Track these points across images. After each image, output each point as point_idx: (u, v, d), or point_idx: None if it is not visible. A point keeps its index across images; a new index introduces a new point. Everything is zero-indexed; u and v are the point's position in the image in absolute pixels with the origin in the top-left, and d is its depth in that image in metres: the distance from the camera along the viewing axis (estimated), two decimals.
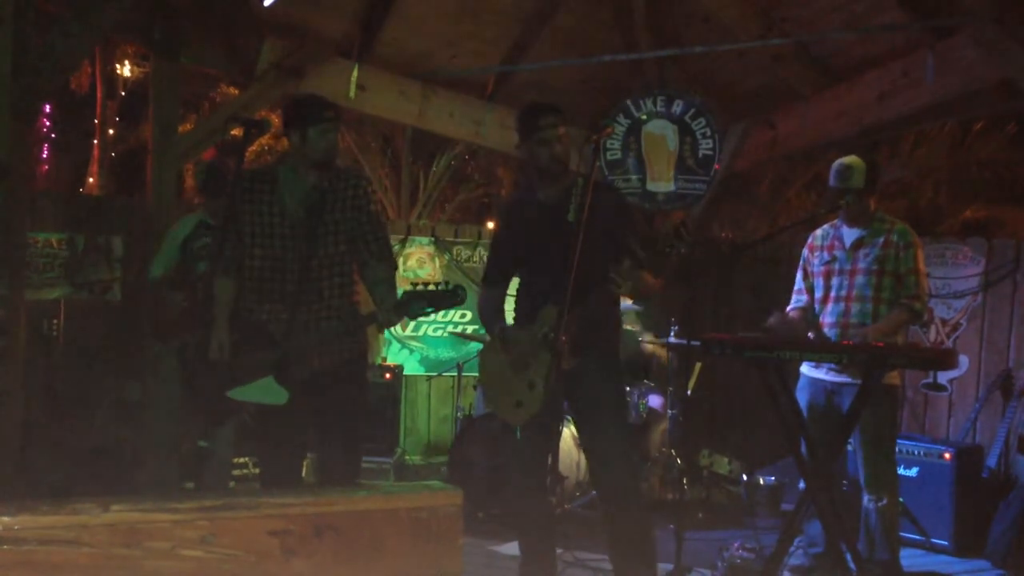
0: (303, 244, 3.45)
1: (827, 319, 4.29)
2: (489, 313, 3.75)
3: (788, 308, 4.50)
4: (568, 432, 5.30)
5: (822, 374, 4.28)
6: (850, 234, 4.30)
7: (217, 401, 3.48)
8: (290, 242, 3.46)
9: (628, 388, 5.58)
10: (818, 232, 4.48)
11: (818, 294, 4.37)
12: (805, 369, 4.38)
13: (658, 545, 3.63)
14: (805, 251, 4.50)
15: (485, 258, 7.33)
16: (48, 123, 13.41)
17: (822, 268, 4.36)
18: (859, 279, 4.21)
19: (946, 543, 5.09)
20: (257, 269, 3.49)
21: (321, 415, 3.54)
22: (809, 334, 4.32)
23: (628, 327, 6.16)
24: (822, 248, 4.40)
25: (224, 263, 3.51)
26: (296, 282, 3.44)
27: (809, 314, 4.39)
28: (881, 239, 4.21)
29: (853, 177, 4.18)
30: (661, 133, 6.45)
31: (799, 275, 4.50)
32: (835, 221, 4.42)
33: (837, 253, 4.31)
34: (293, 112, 3.51)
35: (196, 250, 4.81)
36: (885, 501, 4.17)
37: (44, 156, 13.22)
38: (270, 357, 3.41)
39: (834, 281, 4.30)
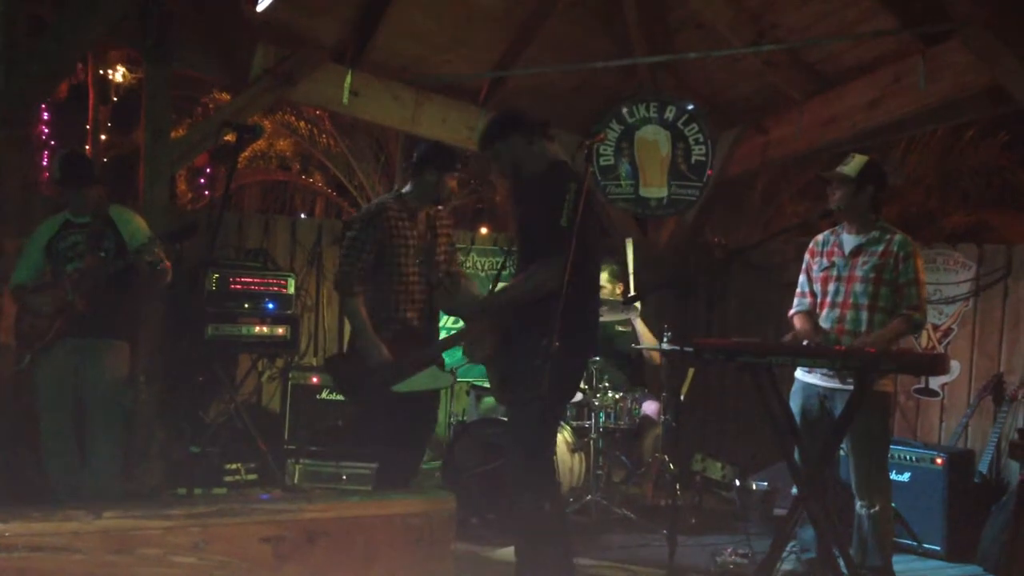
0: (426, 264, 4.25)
1: (823, 324, 4.29)
2: None
3: (791, 312, 4.49)
4: (561, 438, 5.31)
5: (815, 379, 4.28)
6: (850, 240, 4.30)
7: (379, 398, 4.09)
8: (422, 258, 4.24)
9: (611, 393, 5.59)
10: (819, 237, 4.48)
11: (818, 299, 4.38)
12: (799, 374, 4.38)
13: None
14: (807, 255, 4.50)
15: (478, 263, 7.40)
16: (47, 130, 13.35)
17: (821, 274, 4.36)
18: (856, 286, 4.21)
19: (938, 548, 5.10)
20: (408, 283, 4.20)
21: (406, 414, 4.19)
22: (804, 341, 4.32)
23: (621, 329, 6.17)
24: (822, 254, 4.39)
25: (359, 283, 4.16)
26: (427, 290, 4.23)
27: (814, 317, 4.38)
28: (880, 247, 4.21)
29: (850, 163, 4.20)
30: (654, 139, 6.46)
31: (802, 278, 4.49)
32: (836, 228, 4.42)
33: (836, 259, 4.31)
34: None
35: (63, 250, 4.50)
36: (877, 507, 4.17)
37: (44, 163, 13.16)
38: (428, 351, 4.14)
39: (831, 287, 4.29)
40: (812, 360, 3.95)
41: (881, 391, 4.14)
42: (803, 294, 4.47)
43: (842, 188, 4.20)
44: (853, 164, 4.20)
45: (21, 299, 4.55)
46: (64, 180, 4.54)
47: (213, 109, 12.18)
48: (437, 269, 4.28)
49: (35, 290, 4.49)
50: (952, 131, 11.61)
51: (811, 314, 4.38)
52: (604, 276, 6.11)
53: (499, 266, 7.16)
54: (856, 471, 4.22)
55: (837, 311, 4.25)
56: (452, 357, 6.91)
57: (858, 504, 4.23)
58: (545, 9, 6.25)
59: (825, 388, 4.24)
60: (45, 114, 12.34)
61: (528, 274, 3.53)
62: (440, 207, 4.42)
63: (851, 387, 3.96)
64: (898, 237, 4.22)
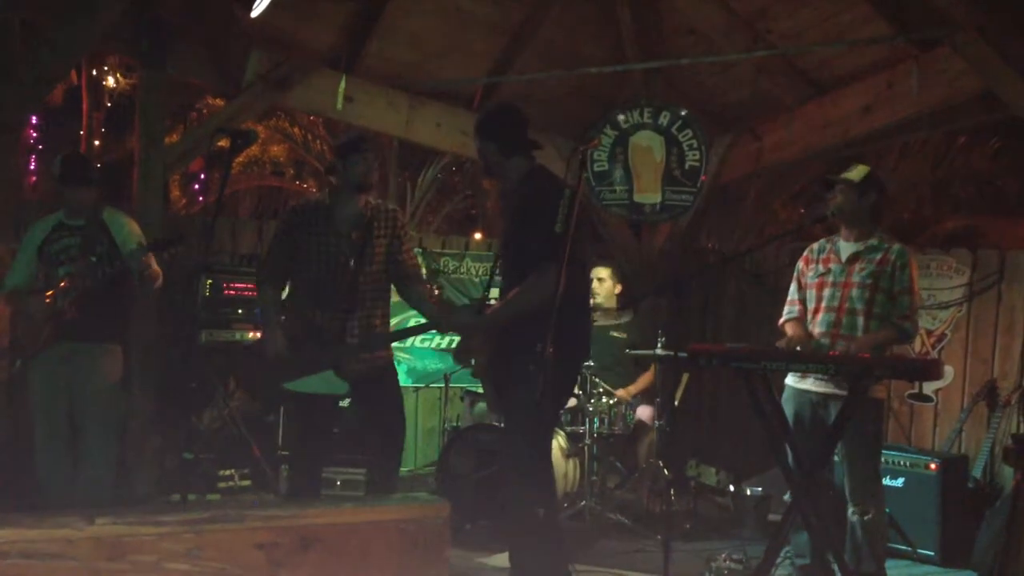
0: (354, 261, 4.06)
1: (817, 329, 4.29)
2: None
3: (780, 320, 4.50)
4: (556, 443, 5.30)
5: (808, 385, 4.28)
6: (847, 248, 4.32)
7: (272, 392, 4.09)
8: (343, 258, 4.06)
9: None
10: (815, 245, 4.50)
11: (810, 305, 4.39)
12: (790, 380, 4.37)
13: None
14: (800, 263, 4.51)
15: (472, 268, 7.40)
16: (35, 134, 13.32)
17: (816, 280, 4.37)
18: (853, 292, 4.22)
19: (932, 554, 5.10)
20: (317, 281, 4.08)
21: (367, 419, 4.19)
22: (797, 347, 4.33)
23: (616, 335, 6.16)
24: (817, 261, 4.41)
25: (269, 276, 4.22)
26: (345, 292, 4.04)
27: (805, 324, 4.40)
28: (878, 255, 4.23)
29: (854, 169, 4.26)
30: (648, 144, 6.47)
31: (793, 287, 4.51)
32: (831, 236, 4.44)
33: (832, 266, 4.33)
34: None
35: (55, 252, 4.45)
36: (871, 514, 4.17)
37: (32, 168, 13.13)
38: (328, 355, 3.97)
39: (826, 292, 4.31)
40: (806, 365, 3.96)
41: (874, 397, 4.15)
42: (793, 302, 4.49)
43: (845, 194, 4.25)
44: (857, 171, 4.27)
45: (15, 303, 4.51)
46: (63, 179, 4.49)
47: (207, 115, 12.17)
48: (375, 269, 4.12)
49: (28, 294, 4.45)
50: (945, 137, 11.64)
51: (801, 321, 4.40)
52: (607, 272, 6.11)
53: (490, 271, 7.18)
54: (849, 477, 4.22)
55: (833, 315, 4.26)
56: (445, 362, 6.93)
57: (851, 510, 4.22)
58: (539, 15, 6.26)
59: (818, 394, 4.24)
60: (33, 118, 12.29)
61: (528, 285, 3.50)
62: (392, 207, 4.32)
63: (845, 392, 3.99)
64: (896, 247, 4.26)
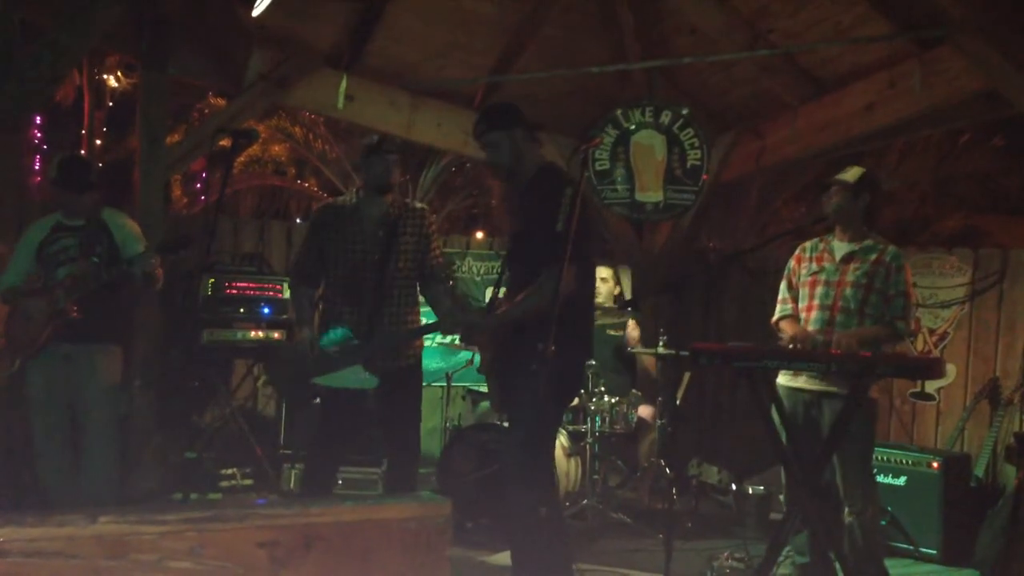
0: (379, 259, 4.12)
1: (810, 327, 4.29)
2: None
3: (774, 318, 4.50)
4: (558, 442, 5.30)
5: (801, 383, 4.27)
6: (841, 248, 4.32)
7: (300, 387, 4.17)
8: (369, 257, 4.13)
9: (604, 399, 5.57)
10: (807, 244, 4.50)
11: (802, 303, 4.38)
12: (782, 380, 4.35)
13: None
14: (792, 262, 4.51)
15: (474, 267, 7.41)
16: (39, 134, 13.33)
17: (809, 278, 4.37)
18: (847, 291, 4.22)
19: (934, 552, 5.11)
20: (346, 281, 4.14)
21: (386, 416, 4.22)
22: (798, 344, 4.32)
23: (613, 333, 6.17)
24: (810, 259, 4.41)
25: (302, 276, 4.30)
26: (373, 290, 4.10)
27: (799, 321, 4.40)
28: (873, 256, 4.24)
29: (849, 171, 4.28)
30: (649, 143, 6.47)
31: (783, 285, 4.51)
32: (826, 236, 4.45)
33: (826, 264, 4.33)
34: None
35: (54, 254, 4.42)
36: (867, 514, 4.16)
37: (36, 168, 13.16)
38: (359, 350, 4.02)
39: (819, 290, 4.30)
40: (806, 364, 3.96)
41: (868, 397, 4.14)
42: (785, 300, 4.49)
43: (840, 195, 4.27)
44: (852, 172, 4.30)
45: (11, 302, 4.49)
46: (61, 183, 4.46)
47: (208, 115, 12.18)
48: (404, 267, 4.15)
49: (27, 294, 4.43)
50: (947, 136, 11.65)
51: (797, 318, 4.40)
52: (609, 272, 6.12)
53: (498, 271, 7.18)
54: (843, 480, 4.20)
55: (827, 313, 4.26)
56: (448, 362, 6.93)
57: (846, 511, 4.21)
58: (540, 14, 6.26)
59: (811, 393, 4.23)
60: (37, 118, 12.30)
61: (536, 288, 3.49)
62: (421, 206, 4.31)
63: (838, 390, 4.02)
64: (891, 249, 4.27)
